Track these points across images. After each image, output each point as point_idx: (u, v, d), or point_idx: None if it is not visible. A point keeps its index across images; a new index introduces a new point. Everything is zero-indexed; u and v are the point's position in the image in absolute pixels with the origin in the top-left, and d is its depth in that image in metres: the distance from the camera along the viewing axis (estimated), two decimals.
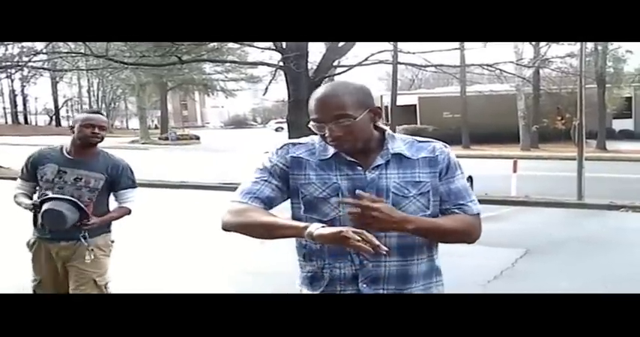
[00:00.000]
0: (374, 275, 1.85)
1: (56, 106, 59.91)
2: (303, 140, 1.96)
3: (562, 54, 20.84)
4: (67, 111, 62.86)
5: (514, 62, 19.12)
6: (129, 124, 64.88)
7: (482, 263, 6.70)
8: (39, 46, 14.29)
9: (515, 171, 12.94)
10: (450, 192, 1.91)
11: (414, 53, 14.63)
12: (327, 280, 1.88)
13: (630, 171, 17.23)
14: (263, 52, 15.79)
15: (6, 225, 4.25)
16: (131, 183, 3.58)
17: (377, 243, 1.63)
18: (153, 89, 41.75)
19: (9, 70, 23.27)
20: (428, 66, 15.20)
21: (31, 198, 3.47)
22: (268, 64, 14.52)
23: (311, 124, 1.86)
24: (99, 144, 3.48)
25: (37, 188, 3.48)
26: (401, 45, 15.72)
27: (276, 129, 49.40)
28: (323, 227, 1.69)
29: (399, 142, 1.92)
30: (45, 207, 3.27)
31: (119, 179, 3.50)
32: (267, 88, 15.56)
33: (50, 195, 3.33)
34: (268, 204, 1.89)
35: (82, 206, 3.30)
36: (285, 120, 13.58)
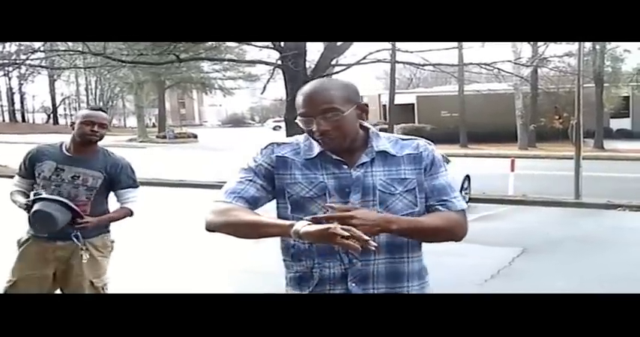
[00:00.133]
0: (363, 274, 1.84)
1: (54, 104, 59.82)
2: (287, 140, 1.96)
3: (560, 53, 20.89)
4: (65, 109, 62.79)
5: (512, 61, 19.13)
6: (126, 122, 64.75)
7: (479, 262, 6.71)
8: (37, 44, 14.24)
9: (512, 170, 12.97)
10: (433, 188, 1.90)
11: (412, 52, 14.63)
12: (317, 280, 1.86)
13: (627, 171, 17.28)
14: (261, 51, 15.80)
15: (3, 224, 4.24)
16: (132, 182, 3.48)
17: (366, 238, 1.62)
18: (151, 87, 41.69)
19: (6, 68, 23.23)
20: (426, 65, 15.18)
21: (27, 196, 3.35)
22: (266, 63, 14.49)
23: (298, 119, 1.85)
24: (100, 142, 3.41)
25: (35, 185, 3.39)
26: (399, 44, 15.77)
27: (274, 128, 49.35)
28: (309, 224, 1.67)
29: (384, 140, 1.92)
30: (34, 208, 3.19)
31: (118, 178, 3.41)
32: (265, 87, 15.52)
33: (41, 194, 3.24)
34: (253, 203, 1.87)
35: (72, 206, 3.21)
36: (283, 118, 13.54)
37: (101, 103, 51.38)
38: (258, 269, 5.94)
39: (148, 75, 34.58)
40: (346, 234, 1.60)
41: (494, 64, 14.33)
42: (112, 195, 3.53)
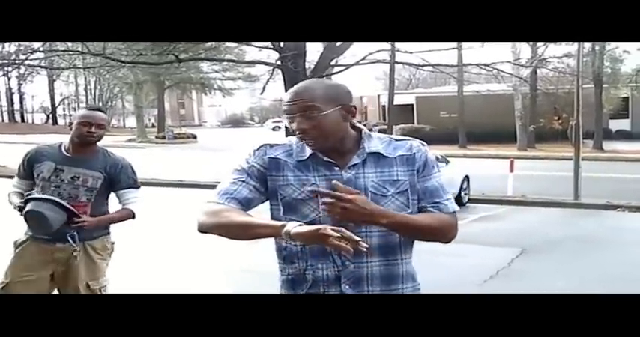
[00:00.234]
0: (357, 276, 1.83)
1: (53, 104, 59.82)
2: (280, 141, 1.95)
3: (559, 54, 20.92)
4: (64, 109, 62.77)
5: (511, 62, 19.12)
6: (126, 123, 64.70)
7: (479, 263, 6.72)
8: (36, 44, 14.24)
9: (511, 170, 12.98)
10: (426, 190, 1.89)
11: (411, 53, 14.63)
12: (310, 282, 1.85)
13: (627, 171, 17.29)
14: (261, 51, 15.78)
15: (2, 225, 4.23)
16: (132, 182, 3.41)
17: (357, 238, 1.61)
18: (150, 88, 41.69)
19: (6, 68, 23.23)
20: (425, 65, 15.19)
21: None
22: (266, 63, 14.49)
23: (283, 117, 1.87)
24: (99, 143, 3.34)
25: (35, 187, 3.32)
26: (398, 44, 15.75)
27: (274, 128, 49.39)
28: (300, 225, 1.67)
29: (376, 141, 1.90)
30: (26, 208, 3.13)
31: (118, 178, 3.34)
32: (264, 87, 15.52)
33: (34, 194, 3.19)
34: (245, 204, 1.87)
35: (65, 204, 3.14)
36: (282, 119, 13.55)
37: (100, 103, 51.31)
38: (257, 269, 5.93)
39: (148, 75, 34.58)
40: (336, 234, 1.60)
41: (494, 64, 14.35)
42: (113, 196, 3.46)
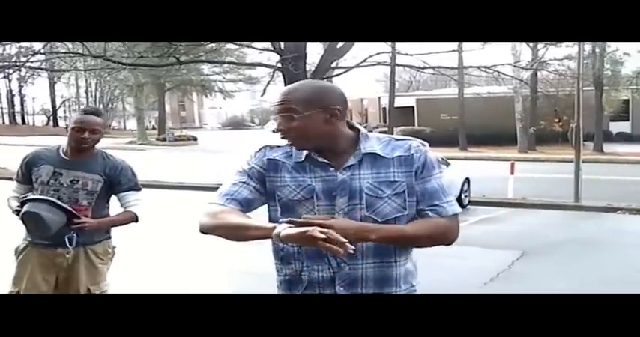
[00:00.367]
0: (352, 278, 1.83)
1: (54, 107, 59.80)
2: (281, 142, 1.96)
3: (560, 56, 20.92)
4: (65, 111, 62.73)
5: (512, 64, 19.09)
6: (126, 125, 64.70)
7: (479, 265, 6.71)
8: (37, 46, 14.23)
9: (512, 173, 12.97)
10: (425, 191, 1.86)
11: (412, 55, 14.60)
12: (306, 283, 1.86)
13: (627, 174, 17.28)
14: (261, 54, 15.84)
15: (2, 229, 4.22)
16: (133, 185, 3.36)
17: (343, 240, 1.60)
18: (150, 90, 41.67)
19: (7, 70, 23.23)
20: (426, 68, 15.17)
21: None
22: (266, 65, 14.51)
23: (271, 117, 1.91)
24: (97, 145, 3.29)
25: (33, 191, 3.27)
26: (399, 46, 15.77)
27: (274, 131, 49.30)
28: (290, 227, 1.67)
29: (374, 142, 1.89)
30: (23, 210, 3.08)
31: (118, 180, 3.29)
32: (265, 90, 15.49)
33: (29, 196, 3.14)
34: (246, 206, 1.88)
35: (62, 205, 3.09)
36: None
37: (101, 106, 51.27)
38: (256, 271, 5.92)
39: (148, 77, 34.57)
40: (323, 236, 1.60)
41: (494, 66, 14.33)
42: (114, 200, 3.43)
